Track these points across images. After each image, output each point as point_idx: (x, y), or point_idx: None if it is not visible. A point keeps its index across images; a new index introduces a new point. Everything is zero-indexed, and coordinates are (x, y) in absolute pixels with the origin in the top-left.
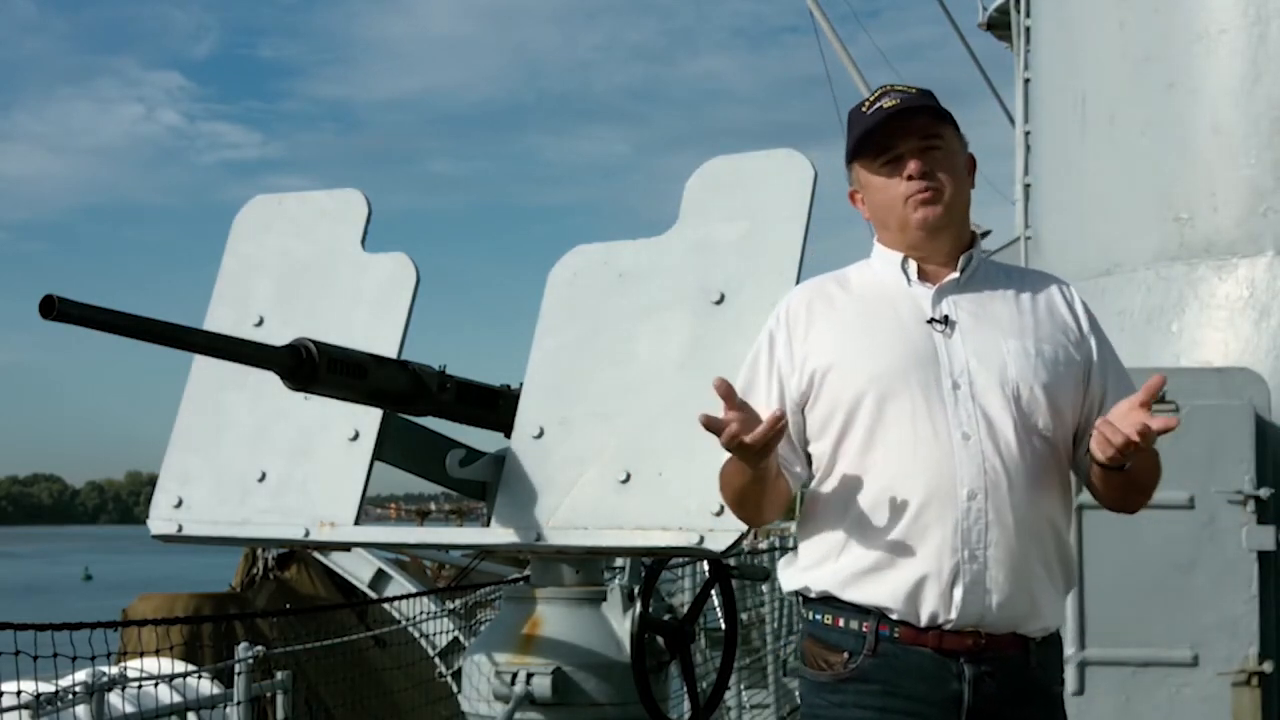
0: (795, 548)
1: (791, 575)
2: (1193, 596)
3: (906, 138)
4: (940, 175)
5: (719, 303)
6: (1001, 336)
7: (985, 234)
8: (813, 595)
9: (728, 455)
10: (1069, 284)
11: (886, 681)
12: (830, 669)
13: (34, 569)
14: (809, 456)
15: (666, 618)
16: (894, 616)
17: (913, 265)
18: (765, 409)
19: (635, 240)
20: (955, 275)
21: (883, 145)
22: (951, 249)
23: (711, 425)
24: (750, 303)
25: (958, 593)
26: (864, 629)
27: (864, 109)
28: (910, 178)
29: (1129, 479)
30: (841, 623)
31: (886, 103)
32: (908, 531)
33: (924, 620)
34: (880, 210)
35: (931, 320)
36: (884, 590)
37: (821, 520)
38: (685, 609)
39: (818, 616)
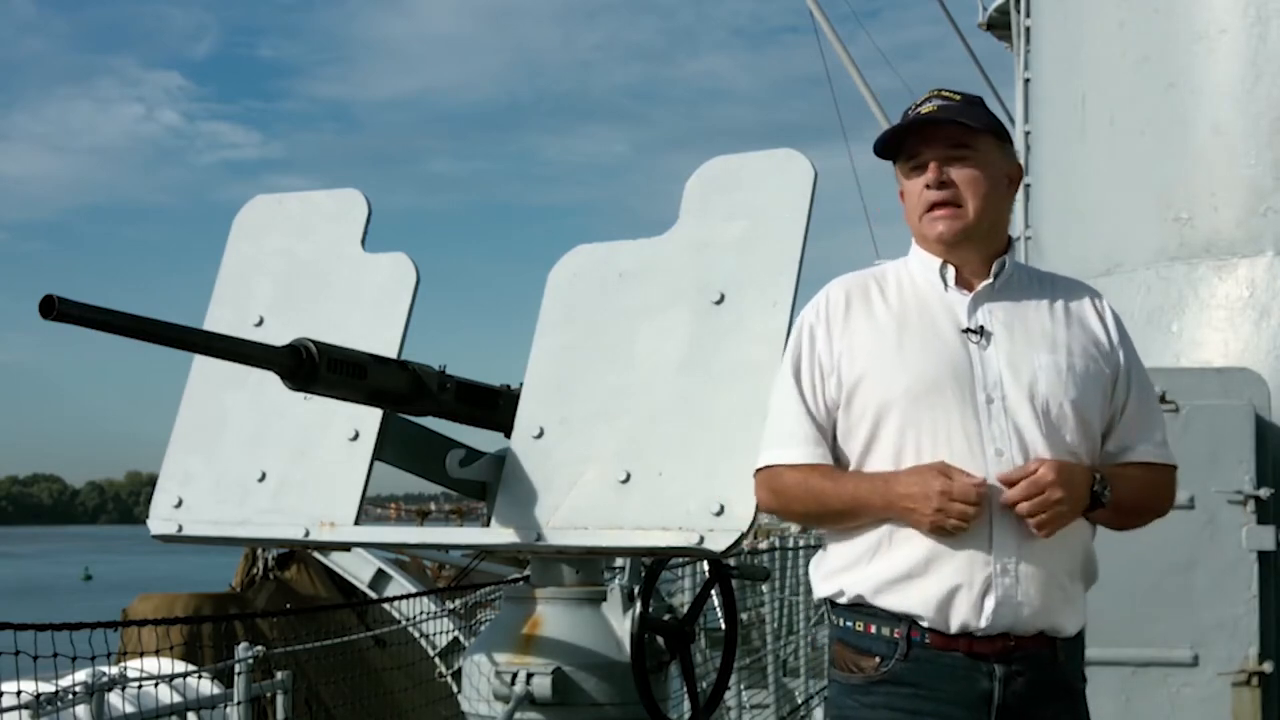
0: (825, 548)
1: (822, 580)
2: (1193, 596)
3: (933, 145)
4: (962, 188)
5: (719, 303)
6: (1034, 349)
7: None
8: (843, 601)
9: (800, 461)
10: (1100, 293)
11: (918, 684)
12: (862, 672)
13: (34, 569)
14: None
15: (666, 618)
16: (925, 624)
17: (950, 271)
18: (807, 405)
19: (635, 240)
20: (989, 281)
21: (912, 149)
22: (984, 256)
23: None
24: (750, 303)
25: (989, 604)
26: (895, 635)
27: (909, 111)
28: (927, 186)
29: (1116, 509)
30: (874, 629)
31: (926, 107)
32: (940, 542)
33: (955, 629)
34: (908, 213)
35: (967, 330)
36: (915, 599)
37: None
38: (685, 609)
39: (848, 623)
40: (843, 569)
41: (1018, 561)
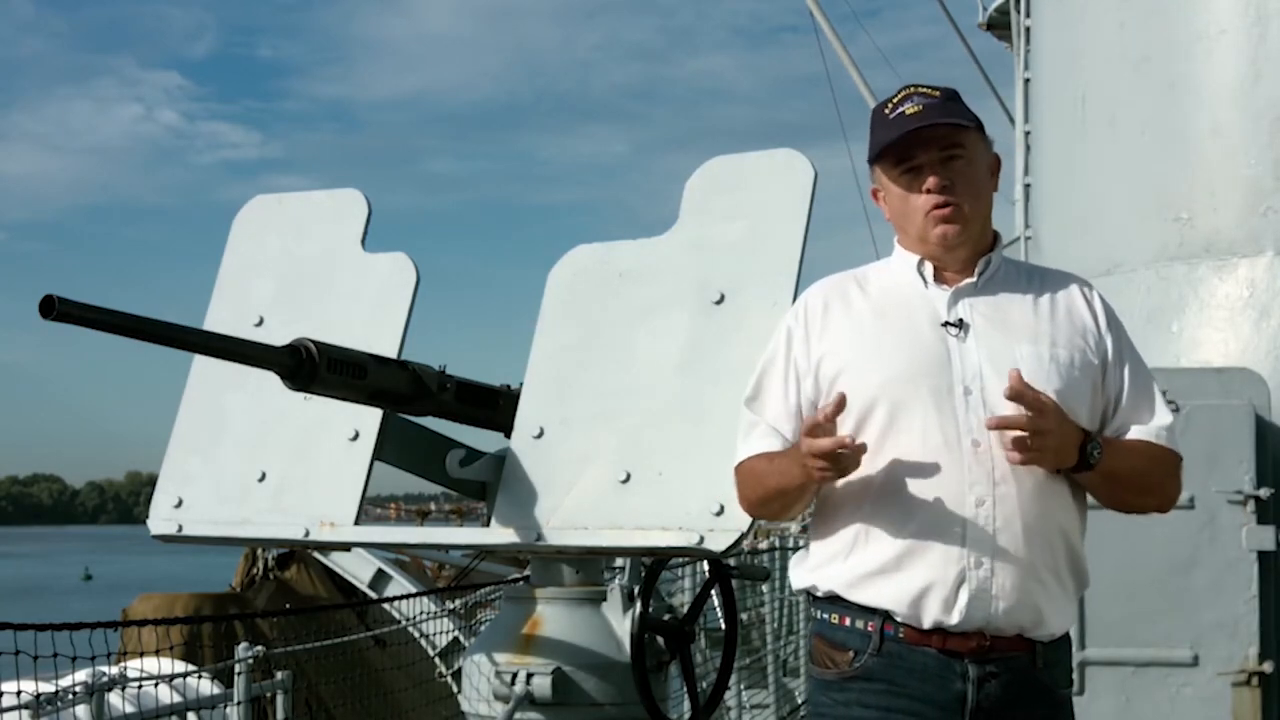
0: (807, 545)
1: (801, 574)
2: (1193, 596)
3: (927, 148)
4: (960, 189)
5: (719, 303)
6: (1015, 341)
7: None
8: (820, 594)
9: (755, 452)
10: (1090, 283)
11: (890, 681)
12: (836, 667)
13: (34, 569)
14: None
15: (666, 618)
16: (898, 619)
17: (929, 268)
18: (780, 405)
19: (635, 240)
20: (972, 279)
21: (903, 153)
22: (971, 254)
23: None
24: (750, 303)
25: (962, 598)
26: (869, 628)
27: (886, 110)
28: (929, 191)
29: (1109, 478)
30: (848, 622)
31: (909, 108)
32: (915, 536)
33: (928, 624)
34: (899, 217)
35: (946, 324)
36: (889, 593)
37: (832, 520)
38: (685, 609)
39: (825, 616)
40: (820, 564)
41: (992, 555)
